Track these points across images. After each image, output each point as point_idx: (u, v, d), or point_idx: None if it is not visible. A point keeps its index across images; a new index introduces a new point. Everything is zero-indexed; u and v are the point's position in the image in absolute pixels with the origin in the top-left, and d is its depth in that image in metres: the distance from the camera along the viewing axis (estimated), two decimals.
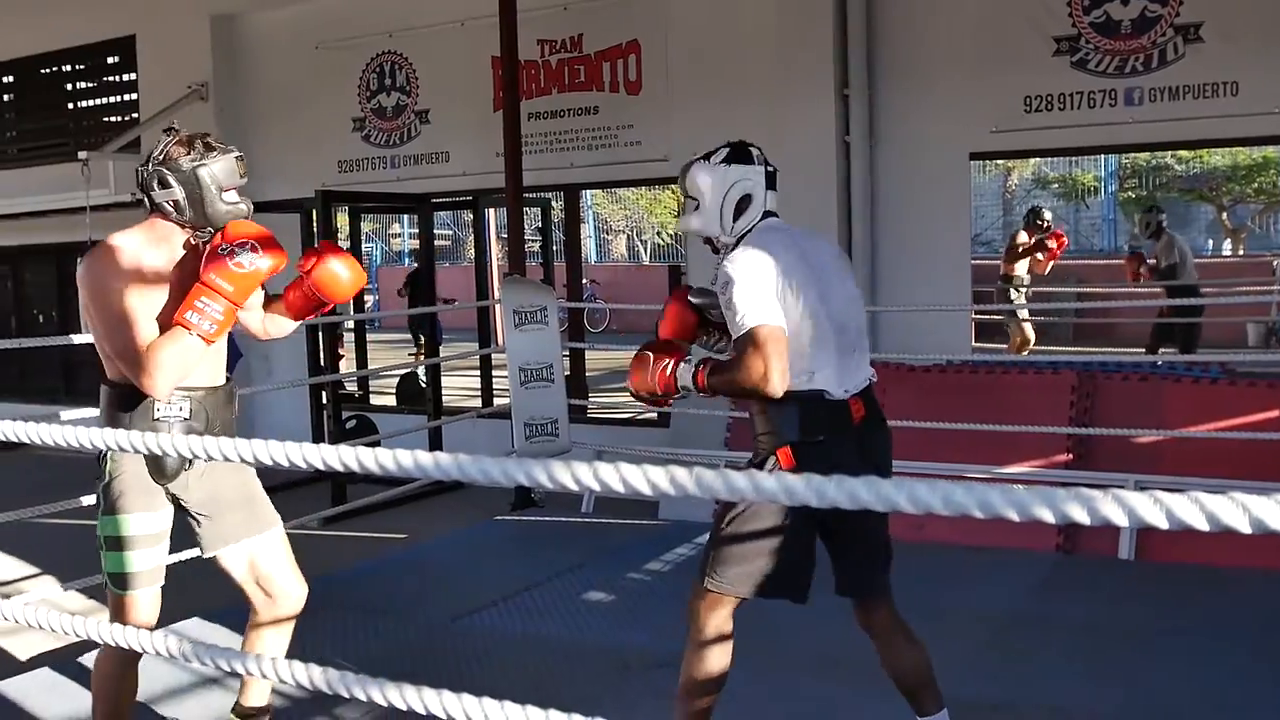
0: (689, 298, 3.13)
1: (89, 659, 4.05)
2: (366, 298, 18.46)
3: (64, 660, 4.18)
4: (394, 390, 10.75)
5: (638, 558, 5.43)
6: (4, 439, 1.65)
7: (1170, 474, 5.60)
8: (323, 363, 8.05)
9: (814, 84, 7.26)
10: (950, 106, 7.10)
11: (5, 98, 11.87)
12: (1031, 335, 9.64)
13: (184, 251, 2.92)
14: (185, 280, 2.85)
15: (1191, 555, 5.22)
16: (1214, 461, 5.63)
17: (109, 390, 2.94)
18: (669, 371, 2.92)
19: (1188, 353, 8.30)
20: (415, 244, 11.75)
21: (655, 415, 8.64)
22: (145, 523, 2.93)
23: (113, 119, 10.88)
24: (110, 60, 10.82)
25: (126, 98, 10.69)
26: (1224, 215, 18.70)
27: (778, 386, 2.70)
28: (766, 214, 2.97)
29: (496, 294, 9.53)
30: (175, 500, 2.99)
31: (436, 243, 16.01)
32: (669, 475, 1.19)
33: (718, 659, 2.86)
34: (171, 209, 2.88)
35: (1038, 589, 5.01)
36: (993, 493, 1.09)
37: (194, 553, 4.65)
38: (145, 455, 2.82)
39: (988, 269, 10.27)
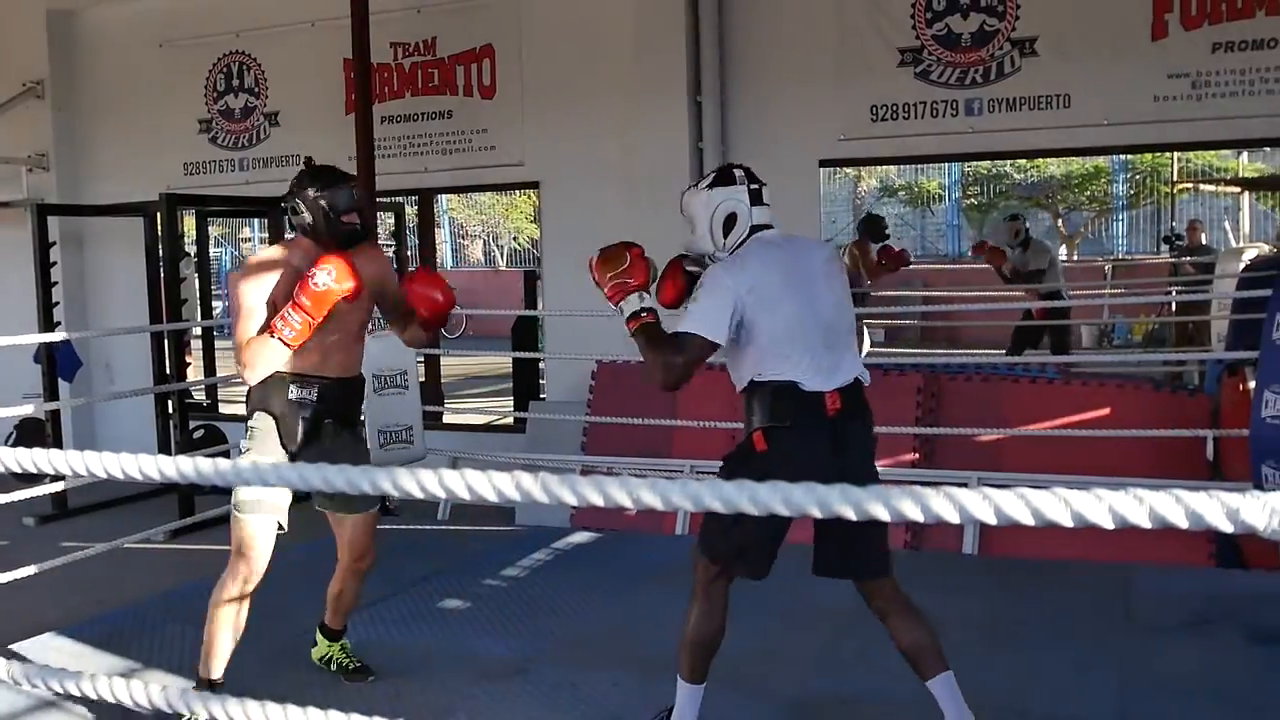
0: (685, 266, 3.34)
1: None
2: (215, 304, 17.93)
3: None
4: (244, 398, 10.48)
5: (494, 564, 5.40)
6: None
7: (1012, 470, 5.82)
8: (168, 371, 7.80)
9: (667, 89, 7.34)
10: (800, 114, 7.25)
11: None
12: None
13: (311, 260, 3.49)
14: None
15: (1031, 549, 5.42)
16: (1054, 457, 5.87)
17: None
18: (625, 291, 3.13)
19: (1059, 354, 8.51)
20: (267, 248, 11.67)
21: (512, 420, 8.61)
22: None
23: None
24: None
25: None
26: (1059, 222, 19.50)
27: (672, 385, 3.05)
28: (756, 228, 3.19)
29: None
30: (294, 458, 3.50)
31: None
32: (515, 481, 1.20)
33: (711, 620, 3.17)
34: (303, 228, 3.54)
35: None
36: (832, 492, 1.12)
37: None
38: (277, 424, 3.60)
39: None
